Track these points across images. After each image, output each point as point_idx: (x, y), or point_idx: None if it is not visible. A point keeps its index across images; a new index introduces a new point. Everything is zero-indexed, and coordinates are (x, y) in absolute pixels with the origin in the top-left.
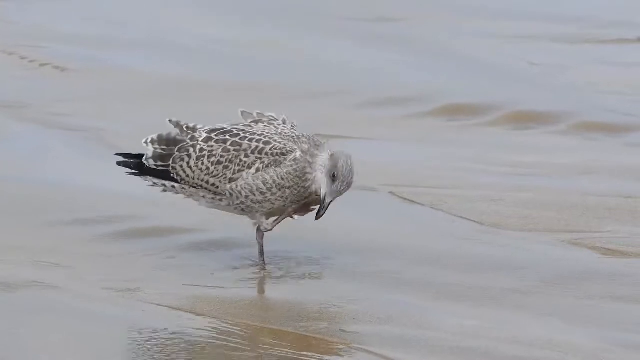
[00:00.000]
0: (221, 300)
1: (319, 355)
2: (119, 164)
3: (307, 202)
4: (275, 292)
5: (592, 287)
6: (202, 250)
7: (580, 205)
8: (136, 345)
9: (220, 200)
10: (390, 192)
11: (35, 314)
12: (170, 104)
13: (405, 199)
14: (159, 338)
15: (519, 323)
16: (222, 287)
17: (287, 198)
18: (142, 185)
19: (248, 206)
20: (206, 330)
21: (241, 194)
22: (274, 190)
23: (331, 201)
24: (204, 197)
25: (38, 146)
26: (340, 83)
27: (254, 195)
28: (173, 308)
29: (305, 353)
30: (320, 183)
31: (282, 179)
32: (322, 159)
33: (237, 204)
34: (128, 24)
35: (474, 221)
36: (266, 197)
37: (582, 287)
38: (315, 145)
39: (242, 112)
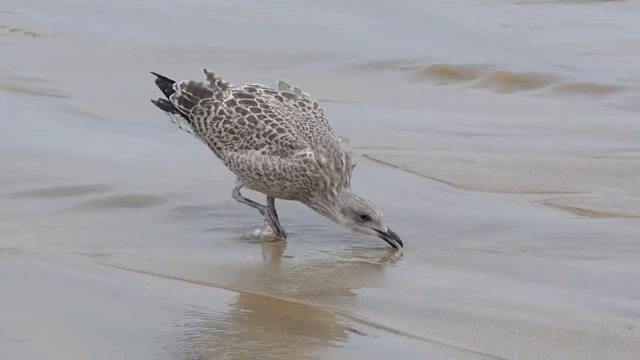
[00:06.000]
0: (194, 264)
1: (292, 317)
2: (157, 82)
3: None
4: (249, 255)
5: (565, 247)
6: (177, 217)
7: (553, 165)
8: (107, 308)
9: (222, 160)
10: (363, 155)
11: (7, 278)
12: (144, 72)
13: (378, 161)
14: (131, 301)
15: (492, 285)
16: (196, 252)
17: (285, 188)
18: (116, 152)
19: (242, 176)
20: (178, 293)
21: (238, 165)
22: (272, 177)
23: (386, 229)
24: (211, 151)
25: (9, 112)
26: (316, 48)
27: (250, 172)
28: (145, 272)
29: (278, 315)
30: (351, 223)
31: (284, 170)
32: (336, 197)
33: (234, 170)
34: None
35: (447, 182)
36: (262, 179)
37: (555, 247)
38: (337, 167)
39: (280, 83)
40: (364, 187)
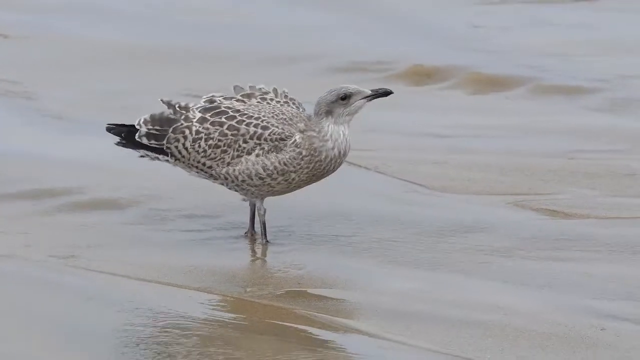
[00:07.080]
0: (166, 267)
1: (264, 319)
2: (108, 130)
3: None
4: (221, 257)
5: (537, 249)
6: (148, 219)
7: (525, 167)
8: (77, 310)
9: (215, 180)
10: None
11: None
12: (113, 72)
13: (349, 162)
14: (101, 303)
15: (463, 286)
16: (167, 254)
17: (292, 181)
18: (86, 154)
19: (243, 189)
20: (149, 295)
21: (237, 178)
22: (275, 175)
23: (369, 91)
24: (197, 174)
25: None
26: (292, 50)
27: (252, 179)
28: (116, 274)
29: (250, 317)
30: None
31: (285, 164)
32: (323, 127)
33: (233, 186)
34: None
35: (418, 184)
36: (265, 182)
37: (527, 249)
38: (308, 118)
39: (235, 87)
40: (335, 188)
